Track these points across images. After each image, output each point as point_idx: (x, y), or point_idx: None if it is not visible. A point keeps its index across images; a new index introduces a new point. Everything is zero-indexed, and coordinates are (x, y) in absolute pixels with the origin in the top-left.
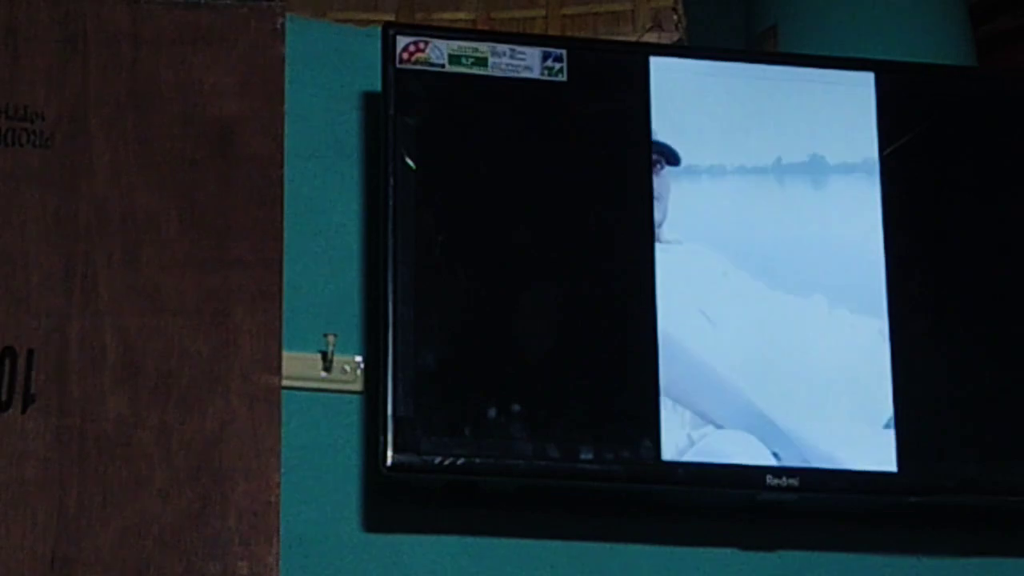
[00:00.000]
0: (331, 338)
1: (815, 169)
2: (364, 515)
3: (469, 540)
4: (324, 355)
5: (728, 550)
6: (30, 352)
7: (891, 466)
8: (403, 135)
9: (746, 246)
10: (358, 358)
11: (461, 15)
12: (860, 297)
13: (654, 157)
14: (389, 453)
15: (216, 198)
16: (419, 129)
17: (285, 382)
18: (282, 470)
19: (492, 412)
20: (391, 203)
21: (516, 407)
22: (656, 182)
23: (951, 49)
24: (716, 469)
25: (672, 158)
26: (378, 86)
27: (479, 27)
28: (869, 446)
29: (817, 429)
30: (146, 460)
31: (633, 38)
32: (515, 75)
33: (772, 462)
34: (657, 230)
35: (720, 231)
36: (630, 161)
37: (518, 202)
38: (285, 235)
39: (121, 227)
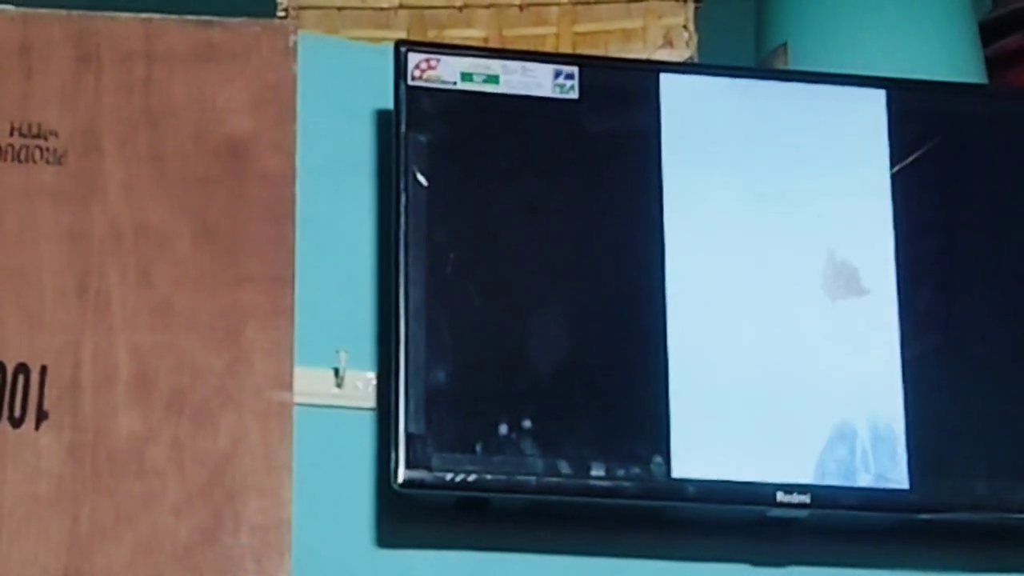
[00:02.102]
0: (343, 355)
1: (825, 186)
2: (376, 531)
3: (480, 555)
4: (336, 371)
5: (739, 565)
6: (43, 368)
7: (903, 483)
8: (415, 152)
9: (757, 263)
10: (370, 374)
11: (472, 32)
12: (871, 312)
13: None
14: (401, 470)
15: (229, 215)
16: (431, 146)
17: (297, 398)
18: (294, 486)
19: (503, 429)
20: (403, 220)
21: (527, 423)
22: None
23: (962, 67)
24: (727, 486)
25: None
26: (390, 103)
27: (490, 44)
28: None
29: (830, 445)
30: (159, 476)
31: (644, 56)
32: (526, 92)
33: (783, 479)
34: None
35: (731, 248)
36: (641, 178)
37: (529, 219)
38: (297, 252)
39: (134, 244)
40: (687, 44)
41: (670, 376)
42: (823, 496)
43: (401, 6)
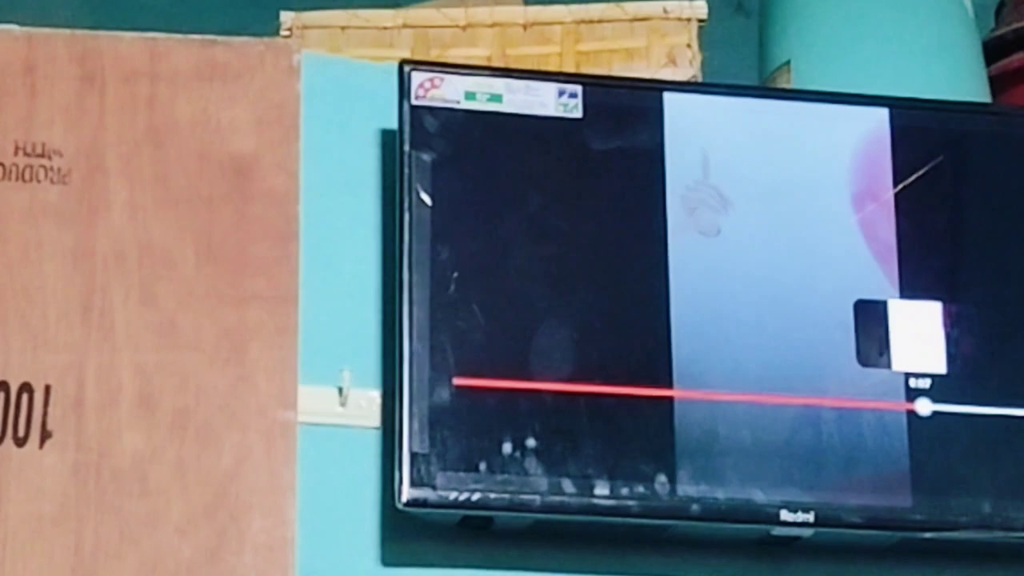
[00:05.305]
0: (346, 373)
1: (828, 204)
2: (381, 550)
3: (484, 574)
4: (340, 390)
5: None
6: (47, 388)
7: (907, 501)
8: (418, 171)
9: (762, 282)
10: (374, 393)
11: (476, 51)
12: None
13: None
14: (405, 488)
15: (232, 234)
16: (434, 165)
17: (301, 417)
18: (298, 505)
19: (507, 447)
20: (406, 239)
21: (531, 442)
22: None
23: (965, 85)
24: (731, 504)
25: None
26: (394, 122)
27: (494, 63)
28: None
29: (833, 464)
30: (163, 496)
31: (648, 74)
32: (530, 111)
33: (787, 497)
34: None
35: (736, 267)
36: (645, 197)
37: (532, 238)
38: (301, 271)
39: (138, 263)
40: (690, 63)
41: (675, 395)
42: (827, 514)
43: (405, 25)
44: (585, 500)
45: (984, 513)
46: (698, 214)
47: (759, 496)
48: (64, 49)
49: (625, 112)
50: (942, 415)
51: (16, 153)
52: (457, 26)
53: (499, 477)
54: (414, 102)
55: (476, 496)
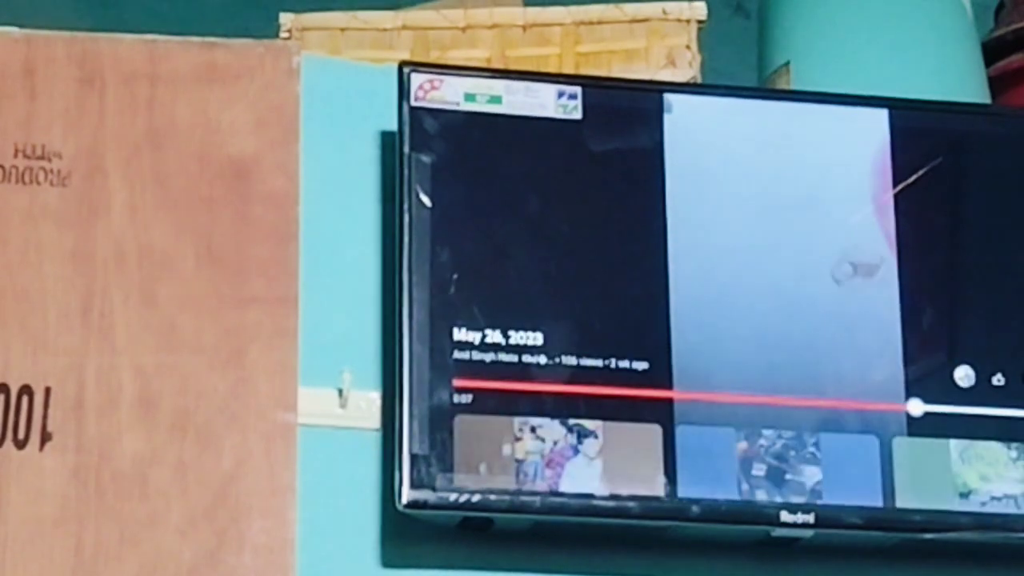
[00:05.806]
0: (346, 375)
1: (827, 205)
2: (381, 551)
3: (485, 575)
4: (340, 392)
5: None
6: (47, 390)
7: (906, 502)
8: (418, 173)
9: (762, 283)
10: (374, 394)
11: (476, 53)
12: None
13: None
14: (405, 490)
15: (232, 236)
16: (434, 167)
17: (301, 419)
18: (298, 507)
19: (507, 449)
20: (406, 240)
21: (531, 443)
22: None
23: (964, 86)
24: (731, 505)
25: None
26: (393, 124)
27: (493, 65)
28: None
29: (833, 464)
30: (163, 497)
31: (647, 76)
32: (529, 113)
33: (787, 499)
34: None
35: (736, 269)
36: (644, 198)
37: (532, 239)
38: (301, 272)
39: (138, 265)
40: (690, 64)
41: (675, 395)
42: (827, 516)
43: (404, 27)
44: (585, 501)
45: (983, 513)
46: None
47: (759, 497)
48: (64, 51)
49: (625, 113)
50: (942, 415)
51: (16, 155)
52: (456, 28)
53: (499, 478)
54: (414, 104)
55: (476, 498)
